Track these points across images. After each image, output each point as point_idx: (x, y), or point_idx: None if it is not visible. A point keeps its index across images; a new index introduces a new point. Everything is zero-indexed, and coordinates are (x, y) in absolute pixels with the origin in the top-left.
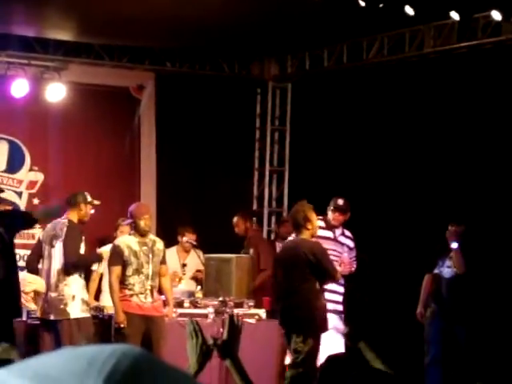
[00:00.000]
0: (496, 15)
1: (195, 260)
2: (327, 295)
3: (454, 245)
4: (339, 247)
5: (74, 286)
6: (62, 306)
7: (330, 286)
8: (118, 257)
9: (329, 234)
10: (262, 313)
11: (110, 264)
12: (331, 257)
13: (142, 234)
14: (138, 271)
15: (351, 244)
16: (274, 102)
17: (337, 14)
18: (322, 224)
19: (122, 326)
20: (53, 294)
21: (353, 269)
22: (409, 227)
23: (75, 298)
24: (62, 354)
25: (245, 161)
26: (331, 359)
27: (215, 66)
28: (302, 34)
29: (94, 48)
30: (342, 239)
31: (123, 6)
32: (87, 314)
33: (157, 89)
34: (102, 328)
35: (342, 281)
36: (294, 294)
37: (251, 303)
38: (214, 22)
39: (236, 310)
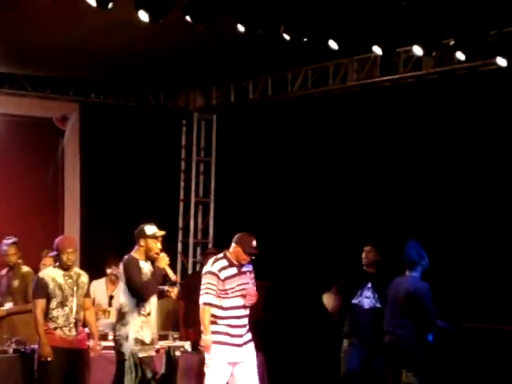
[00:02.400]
0: (417, 50)
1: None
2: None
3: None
4: (244, 278)
5: (130, 325)
6: (117, 347)
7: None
8: (42, 290)
9: (234, 270)
10: (187, 345)
11: (35, 297)
12: (237, 292)
13: (64, 267)
14: (62, 304)
15: (250, 267)
16: (199, 134)
17: (262, 46)
18: (226, 263)
19: (48, 359)
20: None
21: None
22: (331, 255)
23: (128, 339)
24: None
25: (170, 192)
26: None
27: (140, 97)
28: (227, 66)
29: (17, 78)
30: (244, 268)
31: (47, 37)
32: (143, 354)
33: (81, 120)
34: (24, 362)
35: (248, 310)
36: (399, 329)
37: (176, 335)
38: (139, 54)
39: (161, 342)
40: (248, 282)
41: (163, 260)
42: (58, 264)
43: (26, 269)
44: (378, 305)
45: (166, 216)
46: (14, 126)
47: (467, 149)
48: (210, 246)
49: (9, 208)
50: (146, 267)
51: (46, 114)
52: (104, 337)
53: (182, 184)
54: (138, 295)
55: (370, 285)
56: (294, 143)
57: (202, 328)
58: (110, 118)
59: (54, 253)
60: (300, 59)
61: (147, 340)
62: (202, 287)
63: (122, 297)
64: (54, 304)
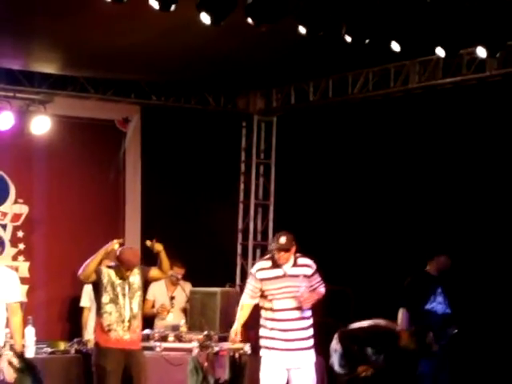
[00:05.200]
0: (481, 52)
1: (183, 292)
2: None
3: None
4: (294, 281)
5: None
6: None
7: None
8: (97, 271)
9: (278, 272)
10: (247, 347)
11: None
12: (286, 294)
13: (123, 277)
14: (113, 301)
15: (308, 271)
16: (259, 136)
17: (322, 48)
18: (269, 264)
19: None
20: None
21: (319, 296)
22: (391, 259)
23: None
24: None
25: (230, 194)
26: None
27: (201, 99)
28: (288, 68)
29: (80, 81)
30: (295, 271)
31: (109, 40)
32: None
33: (142, 122)
34: (86, 363)
35: (306, 314)
36: None
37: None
38: (200, 56)
39: (221, 344)
40: (299, 284)
41: None
42: (111, 266)
43: None
44: (448, 310)
45: (226, 218)
46: (76, 127)
47: None
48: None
49: (70, 209)
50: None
51: (108, 116)
52: (164, 338)
53: (242, 186)
54: None
55: (440, 289)
56: (355, 146)
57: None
58: (170, 120)
59: (115, 263)
60: (361, 61)
61: None
62: None
63: None
64: (107, 298)
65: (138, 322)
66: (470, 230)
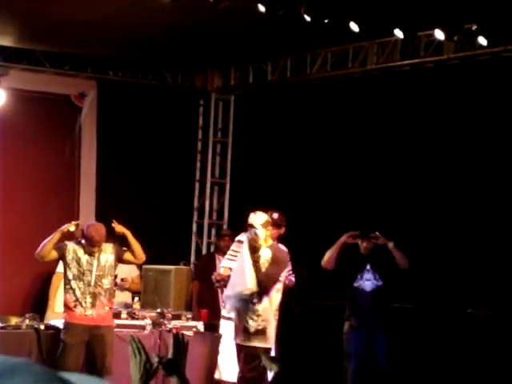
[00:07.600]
0: (439, 34)
1: (123, 270)
2: None
3: (391, 244)
4: None
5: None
6: None
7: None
8: (59, 248)
9: None
10: (200, 325)
11: None
12: None
13: (91, 254)
14: (78, 277)
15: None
16: (216, 114)
17: (282, 27)
18: None
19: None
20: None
21: (291, 283)
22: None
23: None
24: None
25: (186, 172)
26: None
27: (158, 76)
28: (247, 47)
29: (36, 54)
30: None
31: (66, 13)
32: (245, 343)
33: (98, 97)
34: (37, 338)
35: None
36: None
37: (189, 315)
38: (159, 32)
39: (174, 322)
40: None
41: None
42: (80, 241)
43: None
44: (380, 283)
45: (181, 196)
46: (31, 101)
47: (488, 135)
48: (225, 227)
49: (25, 185)
50: None
51: (63, 90)
52: (117, 315)
53: (198, 164)
54: None
55: (368, 267)
56: (312, 125)
57: None
58: (127, 95)
59: (81, 239)
60: (320, 41)
61: (251, 330)
62: None
63: None
64: (70, 275)
65: (106, 299)
66: (420, 214)
